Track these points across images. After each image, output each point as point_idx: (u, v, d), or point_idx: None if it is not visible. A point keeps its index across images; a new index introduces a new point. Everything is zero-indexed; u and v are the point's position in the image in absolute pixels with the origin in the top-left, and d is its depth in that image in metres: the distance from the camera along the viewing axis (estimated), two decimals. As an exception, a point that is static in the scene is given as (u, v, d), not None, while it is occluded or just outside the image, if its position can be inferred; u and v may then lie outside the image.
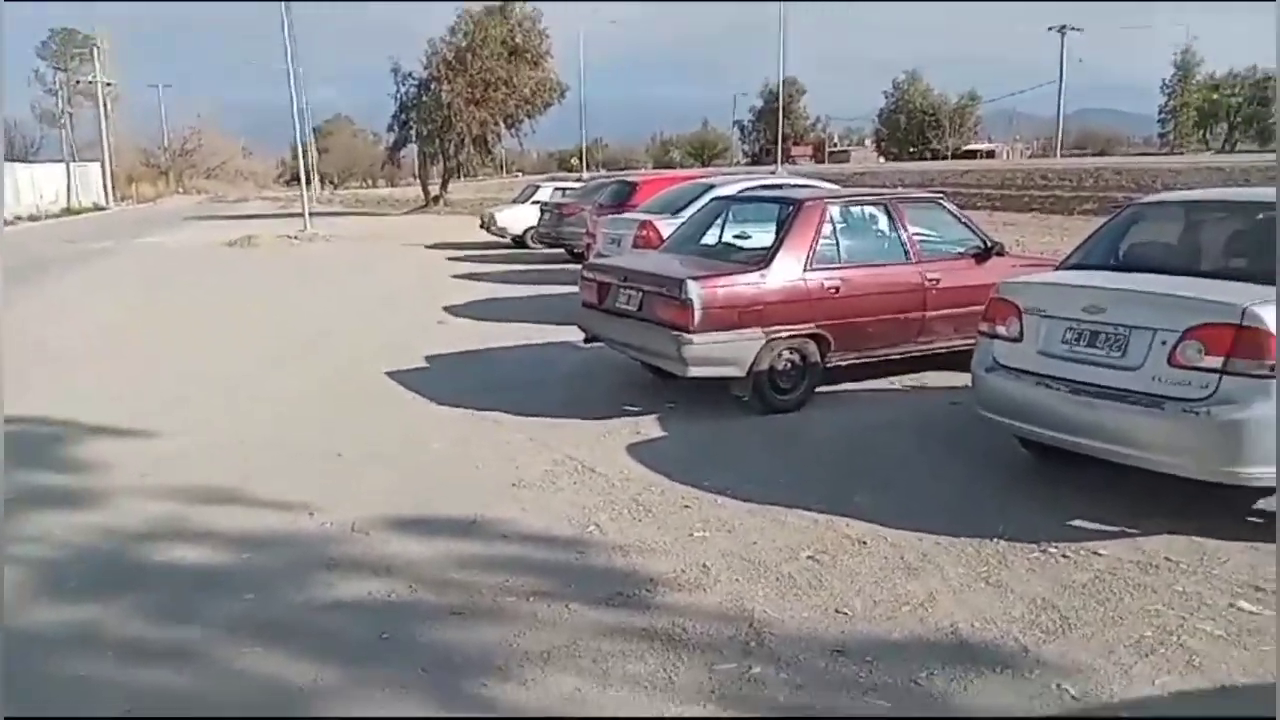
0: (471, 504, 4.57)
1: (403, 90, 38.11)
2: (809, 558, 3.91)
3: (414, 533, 4.24)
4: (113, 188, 57.99)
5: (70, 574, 3.87)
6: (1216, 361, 3.81)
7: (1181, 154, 59.59)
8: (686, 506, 4.53)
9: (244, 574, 3.85)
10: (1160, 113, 79.20)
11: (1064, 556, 3.87)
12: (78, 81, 62.06)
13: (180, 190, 78.78)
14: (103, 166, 56.94)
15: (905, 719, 2.62)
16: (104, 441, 5.77)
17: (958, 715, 2.61)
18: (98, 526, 4.36)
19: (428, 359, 8.20)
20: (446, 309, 11.31)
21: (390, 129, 40.39)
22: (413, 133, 38.77)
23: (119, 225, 34.16)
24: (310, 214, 27.88)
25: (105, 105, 58.91)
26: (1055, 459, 4.78)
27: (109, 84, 61.01)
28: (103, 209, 51.42)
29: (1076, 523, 4.21)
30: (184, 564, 3.96)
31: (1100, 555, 3.87)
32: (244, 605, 3.57)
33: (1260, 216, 4.78)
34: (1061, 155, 62.43)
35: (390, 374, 7.58)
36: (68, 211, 46.32)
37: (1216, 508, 4.22)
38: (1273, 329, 3.71)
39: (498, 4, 35.84)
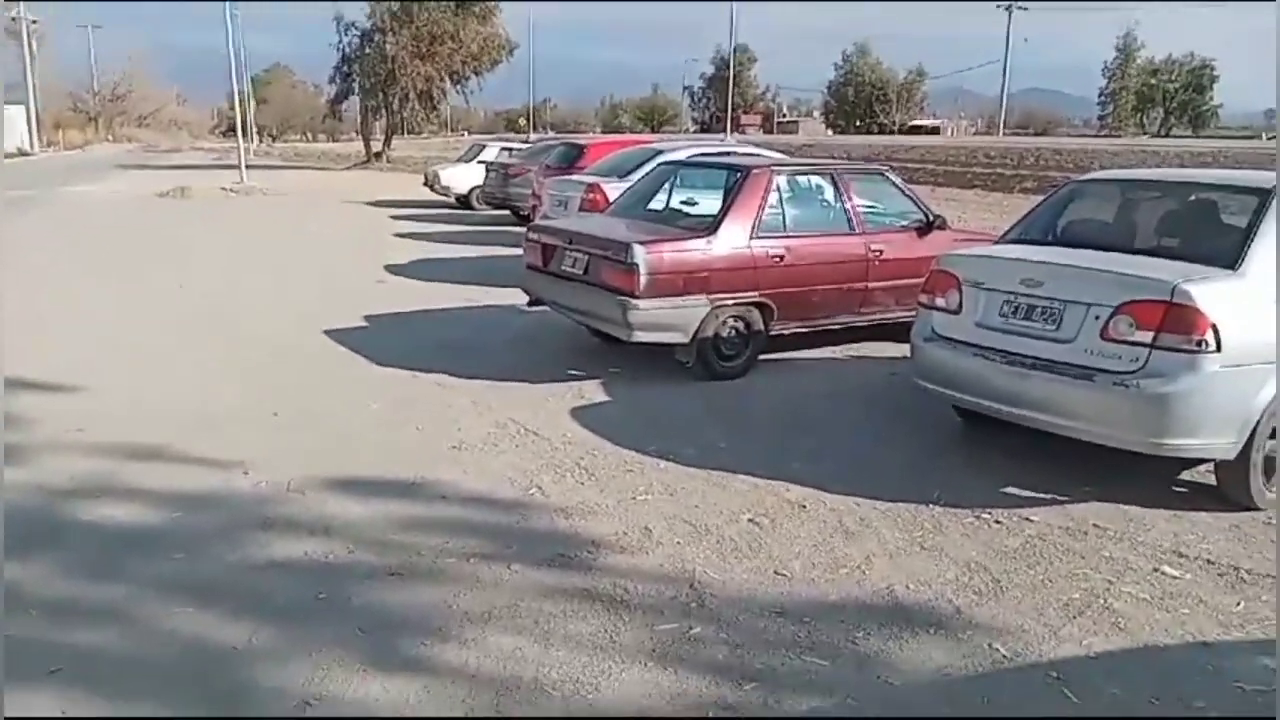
0: (412, 466, 4.52)
1: (345, 41, 37.18)
2: (750, 521, 3.96)
3: (352, 493, 4.17)
4: (39, 133, 55.46)
5: (-10, 531, 3.73)
6: (1147, 336, 3.92)
7: (1119, 137, 61.05)
8: (629, 470, 4.54)
9: (174, 533, 3.75)
10: (1100, 95, 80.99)
11: (997, 522, 3.97)
12: (-1, 18, 58.99)
13: (110, 138, 75.60)
14: (27, 110, 54.31)
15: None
16: (32, 396, 5.56)
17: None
18: (23, 483, 4.20)
19: (367, 318, 8.05)
20: (388, 268, 11.10)
21: (332, 81, 39.43)
22: (355, 86, 37.80)
23: (45, 173, 32.70)
24: (246, 166, 27.07)
25: (30, 44, 56.14)
26: (990, 428, 4.90)
27: (34, 21, 58.10)
28: (27, 155, 49.17)
29: (1009, 490, 4.33)
30: (112, 522, 3.84)
31: (1031, 521, 3.99)
32: (174, 565, 3.48)
33: (1193, 198, 4.92)
34: (1004, 134, 63.49)
35: (328, 333, 7.42)
36: (-12, 156, 44.20)
37: (1144, 477, 4.38)
38: (1200, 306, 3.82)
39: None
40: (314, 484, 4.26)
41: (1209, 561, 3.64)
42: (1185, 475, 4.50)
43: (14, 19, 55.63)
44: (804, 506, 4.12)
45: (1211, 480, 4.31)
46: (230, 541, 3.67)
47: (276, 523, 3.85)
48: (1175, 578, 3.50)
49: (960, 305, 4.69)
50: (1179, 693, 2.77)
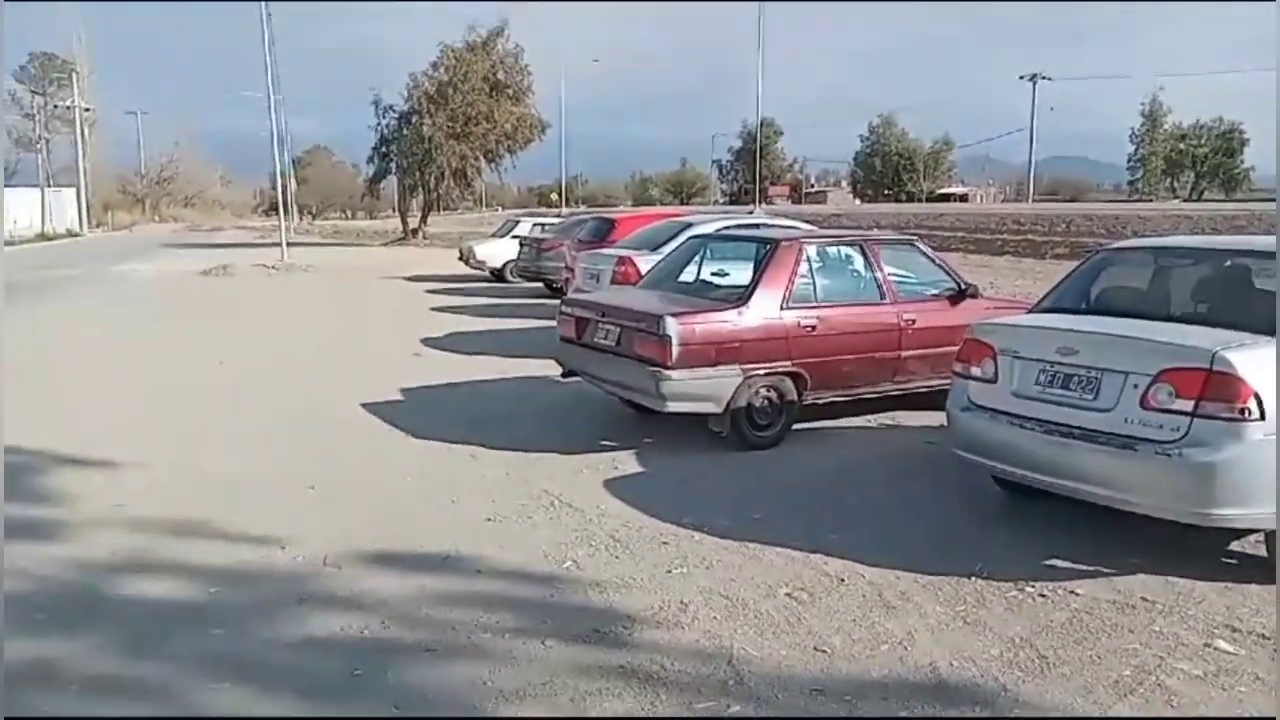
0: (446, 539, 4.52)
1: (383, 123, 38.31)
2: (787, 595, 3.90)
3: (387, 568, 4.18)
4: (88, 214, 57.50)
5: (37, 607, 3.77)
6: (1188, 405, 3.86)
7: (1150, 201, 60.89)
8: (664, 543, 4.50)
9: (213, 609, 3.77)
10: (1129, 161, 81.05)
11: (1041, 595, 3.88)
12: (55, 106, 61.69)
13: (156, 218, 78.19)
14: (78, 193, 56.44)
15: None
16: (74, 472, 5.67)
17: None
18: (66, 559, 4.27)
19: (404, 391, 8.15)
20: (424, 341, 11.27)
21: (370, 161, 40.46)
22: (393, 165, 38.82)
23: (93, 252, 33.84)
24: (287, 244, 27.78)
25: (83, 131, 58.57)
26: (1031, 498, 4.82)
27: (87, 109, 60.72)
28: (76, 235, 50.94)
29: (1053, 561, 4.23)
30: (152, 598, 3.87)
31: (1077, 594, 3.89)
32: (213, 641, 3.49)
33: (1228, 264, 4.89)
34: (1034, 200, 63.60)
35: (366, 405, 7.52)
36: (41, 237, 45.84)
37: (1191, 548, 4.27)
38: (1241, 374, 3.77)
39: (480, 40, 36.15)
40: (350, 558, 4.27)
41: (1264, 636, 3.51)
42: (1234, 546, 4.38)
43: (69, 106, 58.18)
44: (843, 580, 4.06)
45: (1262, 551, 4.19)
46: (268, 618, 3.69)
47: (313, 598, 3.86)
48: (1230, 653, 3.38)
49: (996, 374, 4.67)
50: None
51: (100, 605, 3.81)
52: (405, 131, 37.05)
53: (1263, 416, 3.73)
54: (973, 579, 4.03)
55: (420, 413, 7.29)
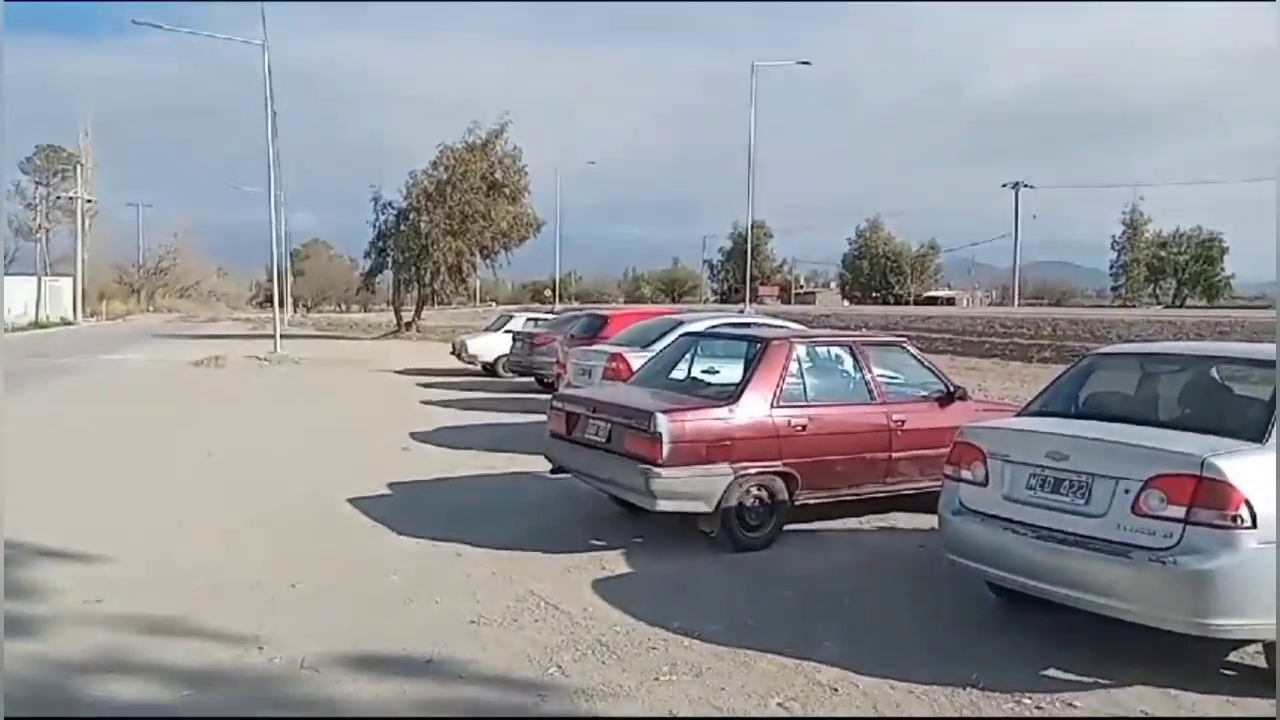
0: (429, 641, 4.41)
1: (381, 219, 38.95)
2: (779, 705, 3.79)
3: (367, 671, 4.06)
4: (83, 303, 57.83)
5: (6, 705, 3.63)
6: (1180, 511, 3.84)
7: (1134, 307, 61.97)
8: (653, 648, 4.39)
9: (184, 712, 3.63)
10: (1112, 267, 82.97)
11: (1039, 709, 3.78)
12: (58, 197, 62.71)
13: (151, 308, 78.69)
14: (74, 282, 56.92)
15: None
16: (50, 565, 5.54)
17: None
18: (37, 655, 4.13)
19: (391, 486, 8.06)
20: (413, 435, 11.20)
21: (367, 255, 40.94)
22: (389, 259, 39.32)
23: (85, 341, 33.86)
24: (281, 336, 27.88)
25: (83, 222, 59.42)
26: (1026, 604, 4.73)
27: (89, 200, 61.71)
28: (70, 324, 51.11)
29: (1050, 672, 4.14)
30: (123, 700, 3.74)
31: (1075, 708, 3.79)
32: (181, 746, 3.36)
33: (1214, 370, 4.95)
34: (1019, 304, 64.66)
35: (352, 500, 7.42)
36: (35, 325, 46.00)
37: (1189, 658, 4.18)
38: (1232, 480, 3.77)
39: (480, 140, 37.14)
40: (328, 661, 4.15)
41: (1269, 754, 3.42)
42: (1233, 656, 4.30)
43: (71, 197, 59.17)
44: (835, 689, 3.95)
45: (1261, 662, 4.11)
46: (240, 722, 3.55)
47: (289, 703, 3.73)
48: (1235, 773, 3.28)
49: (987, 478, 4.65)
50: None
51: (68, 706, 3.67)
52: (403, 227, 37.67)
53: (1254, 524, 3.71)
54: (968, 690, 3.93)
55: (406, 508, 7.19)
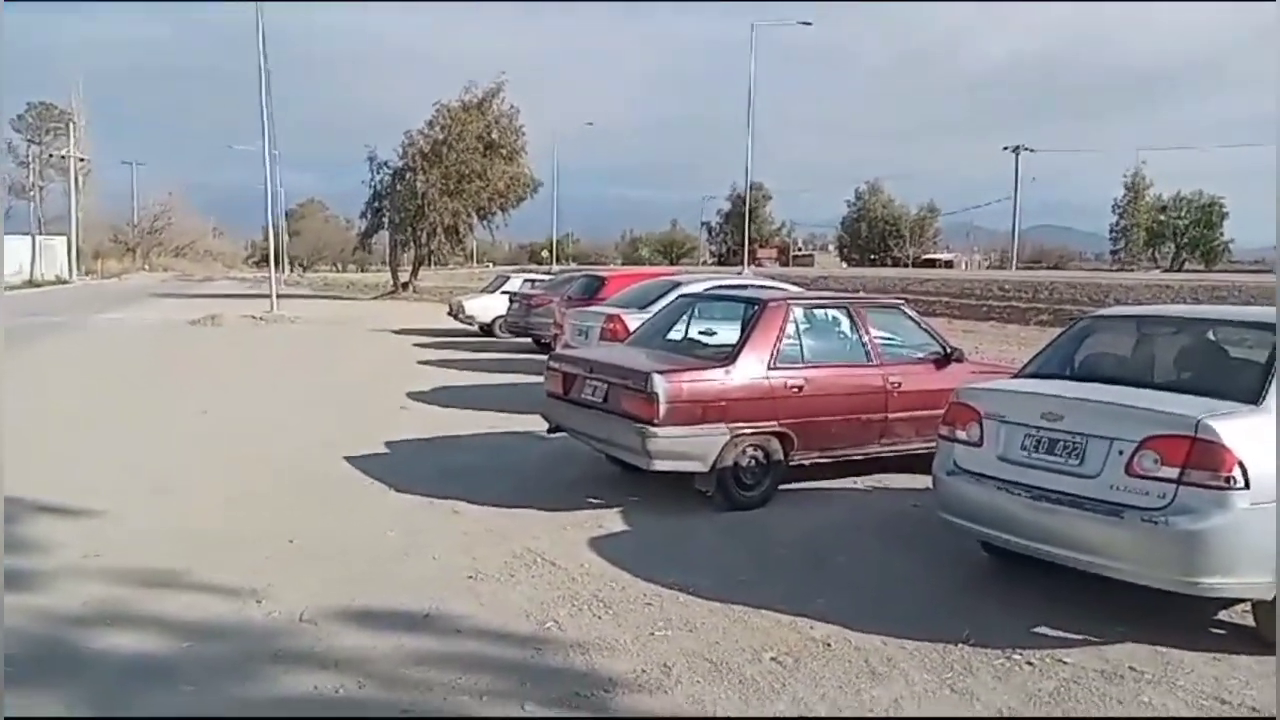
0: (426, 596, 4.45)
1: (378, 178, 38.61)
2: (773, 659, 3.84)
3: (365, 625, 4.10)
4: (78, 262, 57.54)
5: (5, 659, 3.67)
6: (1173, 472, 3.87)
7: (1132, 271, 61.86)
8: (648, 604, 4.44)
9: (184, 664, 3.67)
10: (1111, 231, 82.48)
11: (1029, 664, 3.83)
12: (50, 155, 62.15)
13: (147, 267, 78.29)
14: (69, 241, 56.57)
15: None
16: (50, 521, 5.57)
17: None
18: (38, 609, 4.16)
19: (388, 445, 8.09)
20: (410, 395, 11.22)
21: (363, 215, 40.69)
22: (385, 220, 39.04)
23: (80, 300, 33.75)
24: (277, 295, 27.80)
25: (77, 180, 58.90)
26: (1018, 563, 4.78)
27: (82, 159, 61.15)
28: (65, 283, 50.90)
29: (1041, 629, 4.18)
30: (122, 652, 3.78)
31: (1065, 663, 3.84)
32: (181, 699, 3.40)
33: (1210, 332, 4.95)
34: (1018, 268, 64.51)
35: (349, 459, 7.45)
36: (29, 284, 45.79)
37: (1179, 616, 4.23)
38: (1225, 442, 3.78)
39: (476, 100, 36.72)
40: (327, 614, 4.19)
41: (1254, 709, 3.47)
42: (1222, 615, 4.35)
43: (64, 156, 58.62)
44: (829, 645, 4.00)
45: (1250, 621, 4.16)
46: (240, 674, 3.60)
47: (287, 655, 3.77)
48: (1220, 727, 3.34)
49: (981, 438, 4.67)
50: None
51: (70, 658, 3.71)
52: (399, 187, 37.33)
53: (1247, 485, 3.73)
54: (960, 646, 3.98)
55: (404, 467, 7.22)
